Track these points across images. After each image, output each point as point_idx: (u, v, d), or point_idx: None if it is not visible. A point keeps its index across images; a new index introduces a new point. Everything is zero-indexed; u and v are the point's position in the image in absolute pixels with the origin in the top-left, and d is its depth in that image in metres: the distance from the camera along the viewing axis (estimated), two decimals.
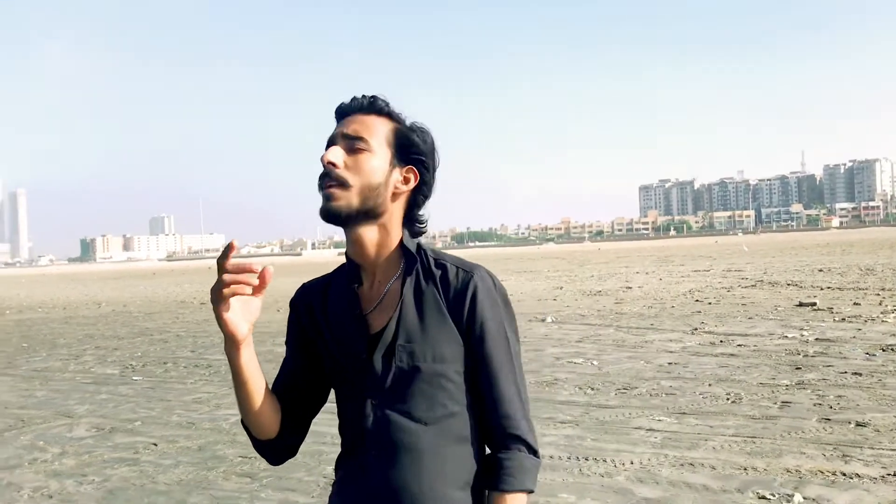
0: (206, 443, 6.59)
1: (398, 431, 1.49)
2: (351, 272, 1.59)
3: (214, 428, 7.11)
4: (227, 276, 1.35)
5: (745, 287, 19.83)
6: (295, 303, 1.67)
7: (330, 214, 1.49)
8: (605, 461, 5.52)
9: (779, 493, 4.71)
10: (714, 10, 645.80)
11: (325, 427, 7.03)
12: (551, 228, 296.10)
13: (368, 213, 1.52)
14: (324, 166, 1.50)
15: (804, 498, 4.63)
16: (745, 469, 5.21)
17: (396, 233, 1.57)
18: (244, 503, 5.05)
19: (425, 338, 1.49)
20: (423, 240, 1.65)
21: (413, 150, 1.56)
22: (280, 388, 1.63)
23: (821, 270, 24.78)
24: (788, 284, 19.83)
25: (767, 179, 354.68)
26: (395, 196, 1.55)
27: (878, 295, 15.99)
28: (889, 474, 4.96)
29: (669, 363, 9.30)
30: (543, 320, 14.44)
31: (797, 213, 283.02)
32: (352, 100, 1.57)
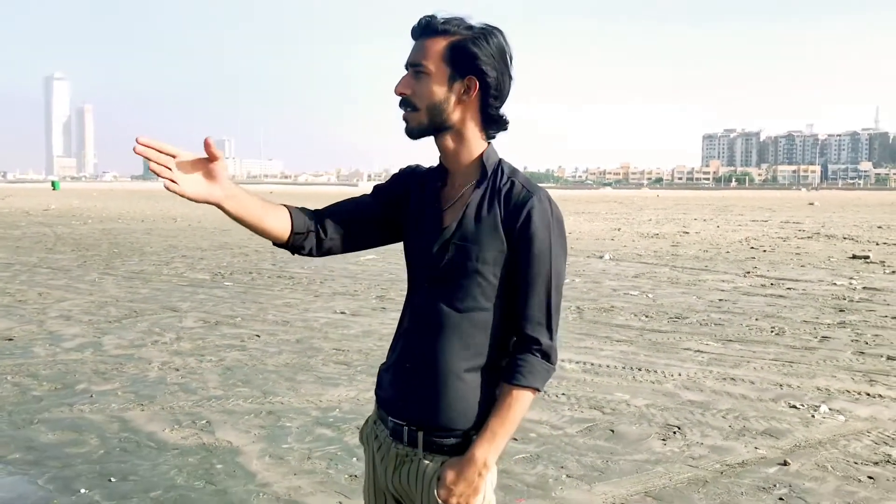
0: (302, 337, 7.52)
1: (434, 313, 1.72)
2: (440, 173, 1.81)
3: (307, 326, 8.03)
4: (150, 166, 1.54)
5: (802, 238, 20.13)
6: (404, 173, 1.90)
7: (409, 135, 1.74)
8: (655, 372, 6.27)
9: (808, 405, 5.42)
10: None
11: None
12: (609, 173, 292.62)
13: (439, 127, 1.71)
14: (398, 96, 1.73)
15: (829, 409, 5.33)
16: (780, 385, 5.91)
17: (475, 140, 1.74)
18: (344, 382, 5.94)
19: (476, 240, 1.68)
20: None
21: (469, 59, 1.68)
22: (338, 206, 1.85)
23: (880, 227, 24.79)
24: (845, 238, 20.07)
25: (837, 135, 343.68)
26: (461, 105, 1.71)
27: None
28: None
29: (720, 300, 9.94)
30: (601, 258, 15.10)
31: (866, 171, 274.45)
32: (419, 23, 1.72)
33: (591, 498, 3.93)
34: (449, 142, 1.74)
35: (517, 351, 1.69)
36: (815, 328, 8.07)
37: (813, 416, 5.18)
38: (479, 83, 1.69)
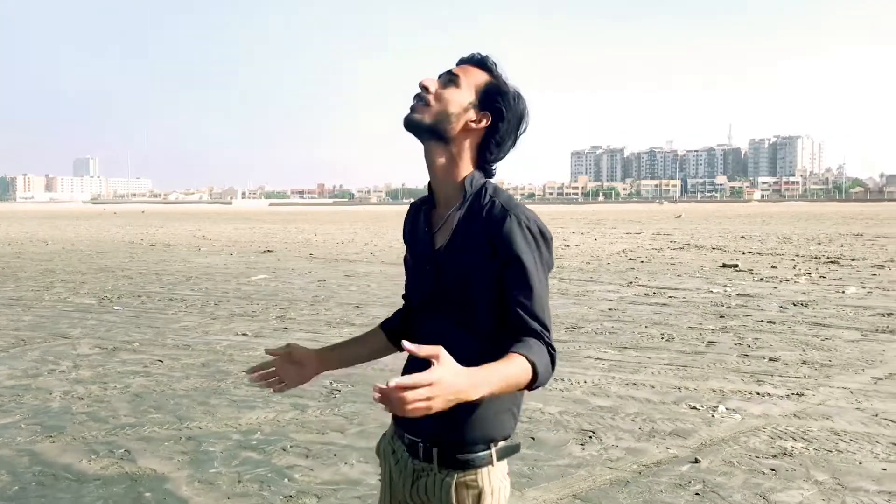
0: (207, 360, 7.38)
1: (439, 332, 1.77)
2: (430, 197, 1.90)
3: (210, 349, 7.88)
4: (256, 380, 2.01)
5: (674, 249, 21.30)
6: (406, 219, 2.03)
7: (407, 122, 1.80)
8: (563, 380, 6.54)
9: (706, 405, 5.81)
10: None
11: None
12: None
13: (437, 133, 1.79)
14: (419, 88, 1.82)
15: (727, 409, 5.73)
16: (679, 388, 6.30)
17: (465, 166, 1.82)
18: (260, 405, 5.89)
19: (464, 260, 1.76)
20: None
21: (496, 100, 1.81)
22: (406, 290, 2.03)
23: (743, 237, 26.53)
24: (713, 248, 21.40)
25: (695, 150, 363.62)
26: (466, 130, 1.80)
27: (793, 260, 17.59)
28: (792, 394, 6.10)
29: (610, 309, 10.43)
30: None
31: (721, 184, 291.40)
32: (470, 54, 1.88)
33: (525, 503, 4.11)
34: (441, 155, 1.81)
35: (520, 338, 1.70)
36: (700, 334, 8.61)
37: (713, 416, 5.56)
38: (491, 123, 1.81)
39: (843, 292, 11.94)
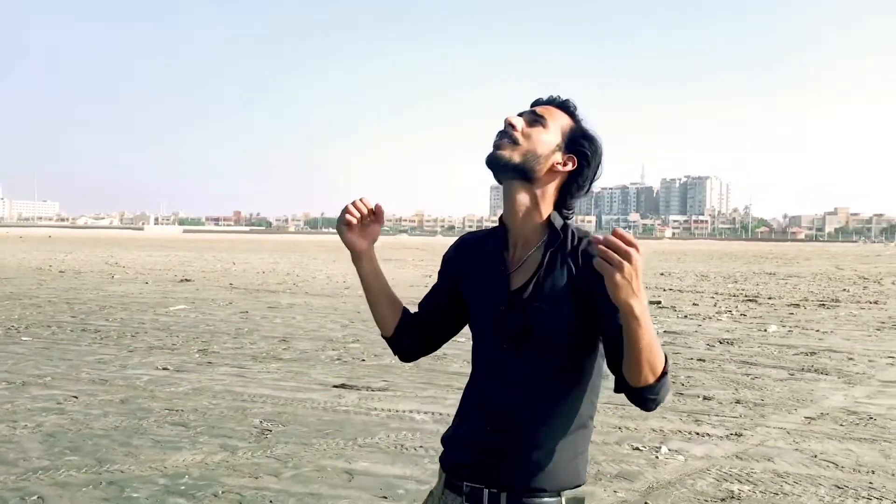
0: (126, 397, 6.94)
1: (520, 375, 1.73)
2: (501, 235, 1.84)
3: (129, 385, 7.43)
4: (347, 207, 1.85)
5: None
6: (454, 249, 1.98)
7: (492, 159, 1.77)
8: None
9: (649, 446, 5.74)
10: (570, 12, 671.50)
11: (242, 388, 7.58)
12: (405, 220, 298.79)
13: (523, 173, 1.76)
14: (504, 125, 1.78)
15: (669, 449, 5.67)
16: (620, 428, 6.22)
17: (546, 208, 1.79)
18: (186, 445, 5.53)
19: (556, 301, 1.70)
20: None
21: (581, 144, 1.79)
22: (421, 306, 2.00)
23: (662, 274, 27.13)
24: None
25: (610, 188, 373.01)
26: (551, 173, 1.78)
27: (713, 297, 18.01)
28: (731, 434, 6.10)
29: None
30: None
31: (635, 221, 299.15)
32: (549, 97, 1.86)
33: None
34: (524, 195, 1.78)
35: (632, 389, 1.64)
36: None
37: (657, 458, 5.48)
38: (576, 166, 1.79)
39: (766, 331, 12.22)
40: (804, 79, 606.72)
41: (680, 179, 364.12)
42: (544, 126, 1.78)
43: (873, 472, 5.14)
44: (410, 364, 8.78)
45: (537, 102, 1.86)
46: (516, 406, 1.73)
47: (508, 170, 1.76)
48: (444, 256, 2.00)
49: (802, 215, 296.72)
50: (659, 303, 16.06)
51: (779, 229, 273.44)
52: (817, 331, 12.37)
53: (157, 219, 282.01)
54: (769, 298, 18.08)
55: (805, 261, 43.70)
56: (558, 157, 1.78)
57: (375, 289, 1.94)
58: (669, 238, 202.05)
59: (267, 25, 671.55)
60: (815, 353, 10.02)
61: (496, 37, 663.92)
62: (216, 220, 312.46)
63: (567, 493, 1.73)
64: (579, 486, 1.75)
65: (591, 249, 1.69)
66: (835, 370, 8.85)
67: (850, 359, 9.67)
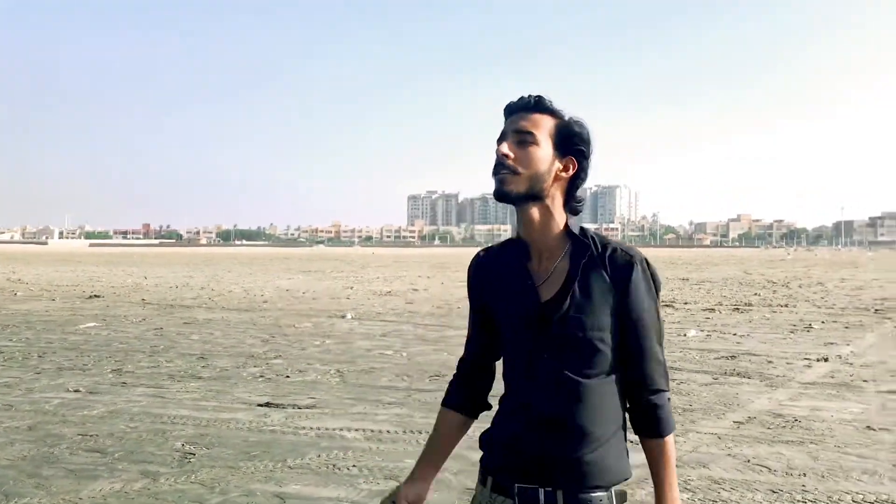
0: (35, 423, 6.50)
1: (565, 381, 1.76)
2: (522, 249, 1.85)
3: (37, 410, 6.98)
4: None
5: None
6: (472, 270, 1.96)
7: (501, 196, 1.78)
8: None
9: None
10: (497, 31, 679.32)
11: (161, 409, 7.22)
12: (322, 231, 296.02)
13: (534, 196, 1.78)
14: (498, 157, 1.78)
15: None
16: None
17: (560, 215, 1.82)
18: (103, 474, 5.18)
19: (591, 309, 1.75)
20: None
21: (573, 141, 1.81)
22: (468, 349, 2.01)
23: None
24: None
25: None
26: (556, 181, 1.80)
27: None
28: None
29: None
30: (344, 317, 15.03)
31: None
32: (520, 99, 1.83)
33: None
34: (536, 213, 1.80)
35: (647, 402, 1.80)
36: None
37: None
38: (577, 167, 1.82)
39: (685, 335, 12.45)
40: (711, 93, 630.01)
41: (591, 188, 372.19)
42: (535, 143, 1.78)
43: (804, 475, 5.20)
44: (338, 380, 8.56)
45: (510, 109, 1.84)
46: (565, 411, 1.76)
47: (519, 200, 1.79)
48: (469, 284, 1.99)
49: (707, 222, 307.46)
50: None
51: (685, 236, 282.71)
52: (734, 334, 12.68)
53: (62, 232, 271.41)
54: (685, 303, 18.51)
55: (714, 266, 45.18)
56: (558, 164, 1.80)
57: (444, 456, 2.10)
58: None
59: (183, 38, 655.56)
60: (735, 357, 10.23)
61: (414, 43, 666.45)
62: (124, 234, 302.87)
63: (615, 488, 1.78)
64: (626, 479, 1.80)
65: (620, 258, 1.78)
66: (756, 373, 9.04)
67: (770, 362, 9.91)
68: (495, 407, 1.94)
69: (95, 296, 20.67)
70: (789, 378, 8.73)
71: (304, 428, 6.41)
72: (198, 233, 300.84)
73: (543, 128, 1.80)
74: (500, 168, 1.77)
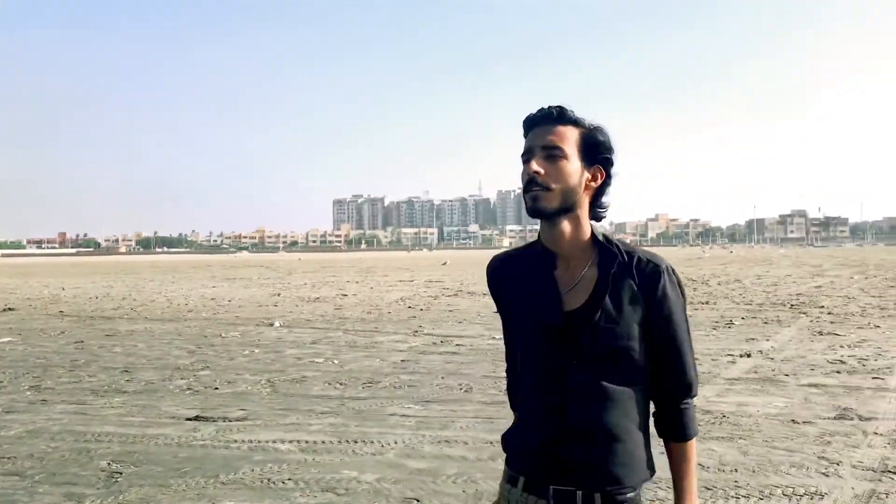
0: None
1: (597, 387, 1.80)
2: (547, 256, 1.88)
3: None
4: None
5: (449, 296, 21.72)
6: (490, 276, 2.00)
7: (536, 214, 1.81)
8: (372, 442, 6.16)
9: None
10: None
11: (84, 427, 6.96)
12: (246, 237, 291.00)
13: (569, 209, 1.82)
14: (529, 175, 1.79)
15: None
16: (491, 442, 6.14)
17: (586, 223, 1.87)
18: (22, 497, 4.94)
19: (621, 319, 1.79)
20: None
21: (599, 150, 1.86)
22: (510, 364, 2.03)
23: None
24: (484, 294, 22.03)
25: (449, 200, 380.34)
26: (585, 191, 1.85)
27: None
28: None
29: (403, 360, 10.21)
30: (272, 325, 14.76)
31: (474, 232, 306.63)
32: (540, 111, 1.85)
33: None
34: (566, 225, 1.83)
35: (674, 405, 1.88)
36: (496, 382, 8.61)
37: None
38: (604, 173, 1.86)
39: None
40: (627, 92, 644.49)
41: (515, 191, 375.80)
42: (564, 157, 1.80)
43: (736, 471, 5.32)
44: (268, 390, 8.38)
45: (532, 122, 1.85)
46: (599, 419, 1.80)
47: (554, 215, 1.82)
48: (492, 292, 2.02)
49: (627, 222, 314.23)
50: None
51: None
52: None
53: None
54: None
55: None
56: (587, 175, 1.84)
57: None
58: (507, 248, 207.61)
59: (92, 37, 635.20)
60: None
61: (342, 42, 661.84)
62: (39, 243, 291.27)
63: (644, 485, 1.87)
64: (653, 475, 1.88)
65: (647, 267, 1.83)
66: None
67: (695, 359, 10.13)
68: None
69: (9, 308, 19.82)
70: (715, 374, 8.95)
71: (235, 441, 6.25)
72: (117, 241, 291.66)
73: (569, 140, 1.82)
74: (533, 185, 1.79)
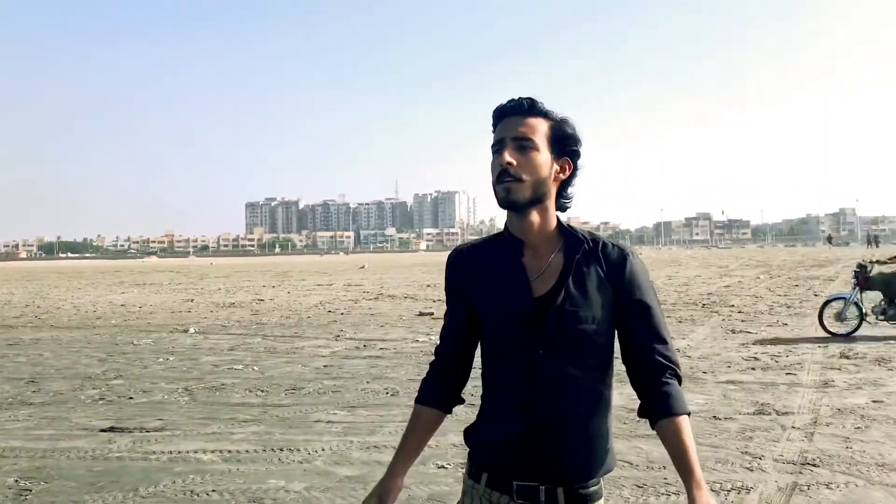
0: None
1: (563, 375, 1.80)
2: (515, 246, 1.88)
3: None
4: None
5: (369, 300, 21.50)
6: (453, 264, 1.97)
7: (509, 205, 1.82)
8: (299, 450, 5.99)
9: (454, 463, 5.62)
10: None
11: None
12: (154, 241, 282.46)
13: (539, 200, 1.84)
14: (502, 166, 1.80)
15: None
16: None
17: (553, 213, 1.89)
18: None
19: (587, 303, 1.81)
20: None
21: (567, 143, 1.88)
22: (445, 345, 2.01)
23: (429, 286, 27.68)
24: (405, 297, 21.96)
25: (366, 203, 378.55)
26: (554, 182, 1.87)
27: None
28: None
29: (325, 366, 10.03)
30: (187, 331, 14.30)
31: (391, 235, 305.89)
32: (511, 102, 1.86)
33: None
34: (536, 215, 1.85)
35: (660, 381, 1.83)
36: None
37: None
38: (572, 165, 1.89)
39: None
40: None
41: (431, 194, 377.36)
42: (535, 148, 1.82)
43: (664, 468, 5.37)
44: (187, 398, 8.09)
45: (502, 112, 1.86)
46: (565, 408, 1.80)
47: (525, 206, 1.83)
48: (449, 277, 1.98)
49: None
50: (432, 314, 16.29)
51: None
52: None
53: None
54: None
55: None
56: (556, 167, 1.86)
57: (418, 452, 2.08)
58: (424, 250, 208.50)
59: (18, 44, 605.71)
60: None
61: (240, 44, 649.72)
62: None
63: (603, 478, 1.86)
64: (613, 468, 1.88)
65: (613, 252, 1.86)
66: None
67: (616, 357, 10.29)
68: (470, 401, 1.94)
69: None
70: None
71: (154, 453, 5.98)
72: (17, 246, 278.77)
73: (540, 132, 1.84)
74: (505, 176, 1.80)
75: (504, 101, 1.87)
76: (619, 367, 1.89)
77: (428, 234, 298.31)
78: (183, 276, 44.20)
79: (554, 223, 1.89)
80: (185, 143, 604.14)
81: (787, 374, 8.82)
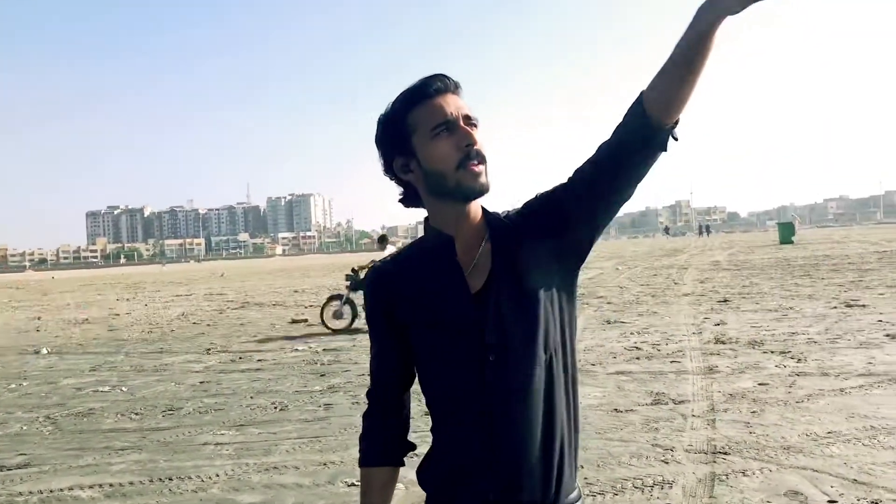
0: None
1: (517, 373, 1.57)
2: (444, 244, 1.65)
3: None
4: None
5: (236, 308, 20.57)
6: (375, 286, 1.71)
7: (485, 190, 1.61)
8: (190, 478, 5.47)
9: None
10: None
11: None
12: None
13: None
14: (469, 147, 1.58)
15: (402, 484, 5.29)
16: (324, 464, 5.68)
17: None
18: None
19: (518, 279, 1.60)
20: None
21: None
22: (385, 381, 1.73)
23: (296, 291, 26.90)
24: (274, 304, 21.18)
25: (216, 209, 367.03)
26: None
27: None
28: None
29: (202, 382, 9.37)
30: (38, 352, 13.09)
31: (245, 241, 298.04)
32: (440, 79, 1.62)
33: None
34: (476, 203, 1.66)
35: (630, 108, 1.53)
36: (311, 397, 8.12)
37: None
38: None
39: None
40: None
41: (286, 197, 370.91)
42: (477, 126, 1.63)
43: (583, 467, 5.25)
44: (51, 428, 7.31)
45: (434, 90, 1.60)
46: (528, 418, 1.56)
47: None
48: (374, 308, 1.72)
49: (399, 225, 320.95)
50: (306, 321, 15.77)
51: (374, 240, 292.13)
52: None
53: None
54: None
55: None
56: None
57: None
58: (281, 255, 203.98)
59: None
60: None
61: (96, 46, 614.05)
62: None
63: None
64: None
65: (517, 213, 1.69)
66: None
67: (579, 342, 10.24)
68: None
69: None
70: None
71: (20, 493, 5.30)
72: None
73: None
74: (477, 157, 1.58)
75: (424, 80, 1.62)
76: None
77: (283, 238, 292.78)
78: (24, 291, 40.98)
79: (480, 212, 1.69)
80: (14, 153, 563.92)
81: (671, 361, 9.00)
